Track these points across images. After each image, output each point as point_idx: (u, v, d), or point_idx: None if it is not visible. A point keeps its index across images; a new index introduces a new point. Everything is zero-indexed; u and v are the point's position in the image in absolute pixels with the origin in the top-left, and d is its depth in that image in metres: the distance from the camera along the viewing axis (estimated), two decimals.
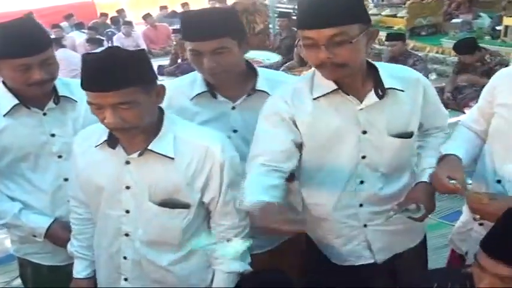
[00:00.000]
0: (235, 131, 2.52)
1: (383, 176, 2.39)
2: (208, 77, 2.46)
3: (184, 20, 2.43)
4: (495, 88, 2.30)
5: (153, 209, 2.25)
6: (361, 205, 2.43)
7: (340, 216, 2.44)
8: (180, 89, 2.46)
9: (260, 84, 2.52)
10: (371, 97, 2.25)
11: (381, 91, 2.25)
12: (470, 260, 2.44)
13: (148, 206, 2.25)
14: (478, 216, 2.20)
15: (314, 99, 2.26)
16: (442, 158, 2.32)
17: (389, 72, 2.28)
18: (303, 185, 2.47)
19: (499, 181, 2.27)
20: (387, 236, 2.49)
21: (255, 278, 2.39)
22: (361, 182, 2.38)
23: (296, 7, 2.18)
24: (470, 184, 2.34)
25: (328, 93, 2.24)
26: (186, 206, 2.26)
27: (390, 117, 2.29)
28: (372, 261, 2.53)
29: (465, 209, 2.44)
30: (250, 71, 2.58)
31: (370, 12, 12.41)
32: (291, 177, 2.47)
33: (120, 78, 1.98)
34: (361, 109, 2.26)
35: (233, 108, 2.53)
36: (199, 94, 2.51)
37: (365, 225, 2.47)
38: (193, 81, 2.52)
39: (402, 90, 2.28)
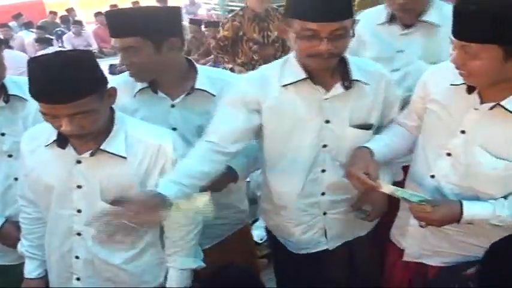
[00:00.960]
0: (174, 129, 2.51)
1: (343, 165, 2.44)
2: None
3: (106, 17, 2.44)
4: (426, 83, 2.35)
5: (106, 207, 2.24)
6: (323, 193, 2.50)
7: (303, 204, 2.50)
8: (121, 86, 2.42)
9: (200, 83, 2.53)
10: (337, 88, 2.32)
11: (348, 82, 2.33)
12: (409, 254, 2.50)
13: (101, 205, 2.24)
14: (423, 223, 2.26)
15: (283, 86, 2.32)
16: (354, 152, 2.37)
17: (357, 65, 2.36)
18: (268, 173, 2.52)
19: (432, 176, 2.31)
20: (342, 224, 2.57)
21: (221, 275, 2.42)
22: (323, 171, 2.45)
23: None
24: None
25: (296, 82, 2.31)
26: None
27: (353, 108, 2.37)
28: (325, 247, 2.60)
29: (401, 203, 2.49)
30: (191, 69, 2.58)
31: None
32: (234, 178, 2.54)
33: (76, 89, 1.97)
34: (326, 99, 2.33)
35: (172, 106, 2.53)
36: (141, 90, 2.52)
37: (324, 213, 2.54)
38: None
39: (367, 84, 2.36)
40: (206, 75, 2.57)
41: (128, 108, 2.48)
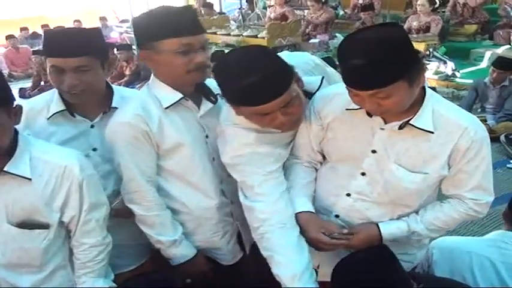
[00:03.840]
0: (94, 149, 2.56)
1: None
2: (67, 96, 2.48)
3: (49, 36, 2.46)
4: (320, 112, 2.38)
5: (11, 230, 2.21)
6: (232, 202, 2.63)
7: (221, 214, 2.62)
8: (36, 109, 2.50)
9: (116, 103, 2.57)
10: (206, 104, 2.49)
11: (213, 97, 2.50)
12: (322, 274, 2.52)
13: (6, 228, 2.21)
14: (352, 250, 2.35)
15: (165, 108, 2.40)
16: (300, 218, 2.38)
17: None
18: (182, 192, 2.55)
19: (348, 194, 2.38)
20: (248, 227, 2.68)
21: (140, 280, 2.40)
22: (221, 182, 2.58)
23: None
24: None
25: (175, 103, 2.41)
26: (45, 226, 2.25)
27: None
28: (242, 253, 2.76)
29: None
30: (108, 89, 2.62)
31: (232, 33, 12.76)
32: None
33: None
34: (200, 116, 2.48)
35: (92, 126, 2.56)
36: (56, 113, 2.51)
37: (237, 220, 2.68)
38: (50, 100, 2.54)
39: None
40: (120, 95, 2.63)
41: (43, 132, 2.49)
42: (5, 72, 13.29)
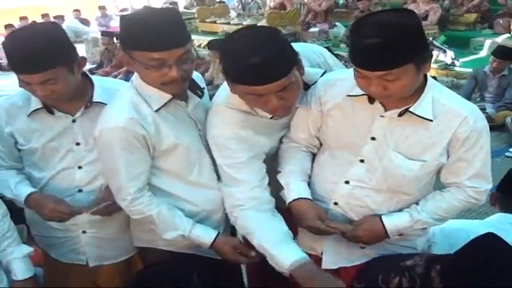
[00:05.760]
0: (78, 144, 2.52)
1: None
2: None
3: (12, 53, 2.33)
4: (321, 97, 2.36)
5: None
6: None
7: (223, 205, 2.54)
8: (18, 104, 2.49)
9: (97, 96, 2.49)
10: (194, 98, 2.43)
11: (199, 91, 2.46)
12: (327, 261, 2.51)
13: None
14: (361, 244, 2.39)
15: (156, 111, 2.33)
16: (298, 205, 2.39)
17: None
18: (182, 189, 2.50)
19: (347, 182, 2.37)
20: None
21: (155, 271, 2.34)
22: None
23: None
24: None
25: (166, 103, 2.34)
26: None
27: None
28: None
29: None
30: (87, 82, 2.53)
31: (231, 22, 12.79)
32: None
33: None
34: (191, 110, 2.43)
35: (74, 121, 2.50)
36: (35, 110, 2.47)
37: None
38: (29, 97, 2.46)
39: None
40: (102, 87, 2.54)
41: (25, 129, 2.48)
42: (4, 62, 13.22)
